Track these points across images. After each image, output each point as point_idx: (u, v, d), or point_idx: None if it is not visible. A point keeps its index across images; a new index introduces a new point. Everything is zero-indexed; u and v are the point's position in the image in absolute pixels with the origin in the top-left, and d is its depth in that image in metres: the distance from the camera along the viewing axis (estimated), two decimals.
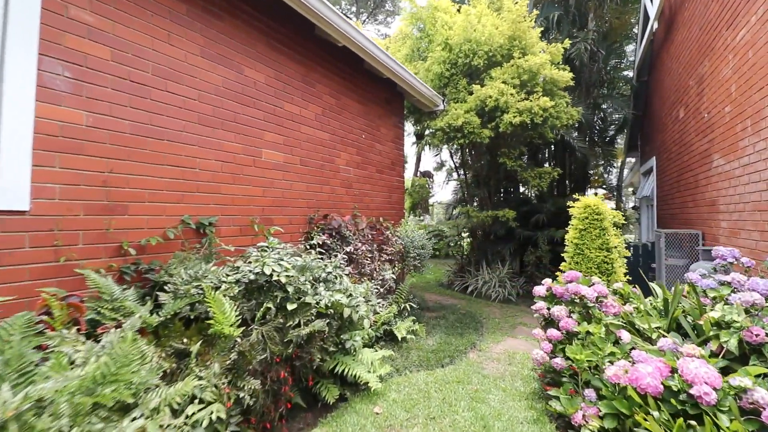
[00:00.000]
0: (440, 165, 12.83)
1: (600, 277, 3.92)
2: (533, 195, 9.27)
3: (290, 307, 2.28)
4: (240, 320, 2.26)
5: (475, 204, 8.40)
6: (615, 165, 11.72)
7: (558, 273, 4.31)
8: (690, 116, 5.58)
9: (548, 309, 3.11)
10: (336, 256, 3.66)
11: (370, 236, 4.64)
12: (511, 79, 6.14)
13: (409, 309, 4.72)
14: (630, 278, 4.12)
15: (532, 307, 3.23)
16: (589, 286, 3.01)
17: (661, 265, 5.31)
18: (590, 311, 2.76)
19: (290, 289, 2.36)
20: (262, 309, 2.30)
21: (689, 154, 5.64)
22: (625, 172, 12.76)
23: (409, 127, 8.54)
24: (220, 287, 2.34)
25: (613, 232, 4.09)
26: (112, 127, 2.58)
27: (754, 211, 3.57)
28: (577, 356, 2.36)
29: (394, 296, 4.64)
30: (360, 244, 4.25)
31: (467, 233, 9.17)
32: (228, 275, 2.41)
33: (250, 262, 2.58)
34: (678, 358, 2.31)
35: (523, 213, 7.76)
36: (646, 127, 9.44)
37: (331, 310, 2.54)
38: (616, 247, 4.04)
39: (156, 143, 2.82)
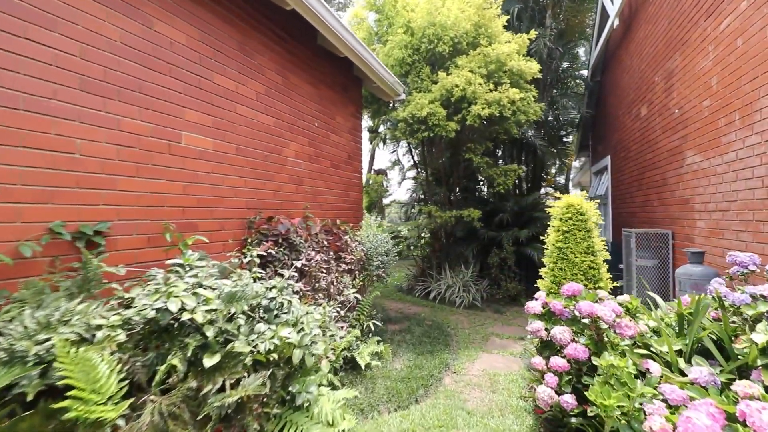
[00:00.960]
0: (395, 162, 12.24)
1: (587, 285, 3.51)
2: (490, 194, 8.97)
3: (209, 362, 1.49)
4: (127, 387, 1.43)
5: (434, 201, 7.91)
6: (566, 164, 11.89)
7: (539, 280, 3.86)
8: (655, 113, 5.45)
9: (546, 330, 2.58)
10: (283, 270, 2.87)
11: (325, 242, 3.88)
12: (478, 68, 5.67)
13: (372, 327, 4.03)
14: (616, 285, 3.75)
15: (527, 327, 2.68)
16: (594, 302, 2.52)
17: (632, 267, 5.11)
18: (604, 335, 2.26)
19: (210, 332, 1.57)
20: (164, 367, 1.49)
21: (653, 152, 5.52)
22: (572, 171, 13.09)
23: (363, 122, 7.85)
24: (95, 335, 1.49)
25: (596, 234, 3.71)
26: None
27: (744, 210, 3.33)
28: (605, 402, 1.82)
29: (356, 313, 3.92)
30: (314, 253, 3.48)
31: (428, 234, 8.66)
32: (106, 316, 1.55)
33: (151, 291, 1.74)
34: (722, 395, 1.87)
35: (484, 213, 7.38)
36: (599, 126, 9.55)
37: (275, 355, 1.78)
38: (600, 251, 3.66)
39: (4, 114, 1.88)
